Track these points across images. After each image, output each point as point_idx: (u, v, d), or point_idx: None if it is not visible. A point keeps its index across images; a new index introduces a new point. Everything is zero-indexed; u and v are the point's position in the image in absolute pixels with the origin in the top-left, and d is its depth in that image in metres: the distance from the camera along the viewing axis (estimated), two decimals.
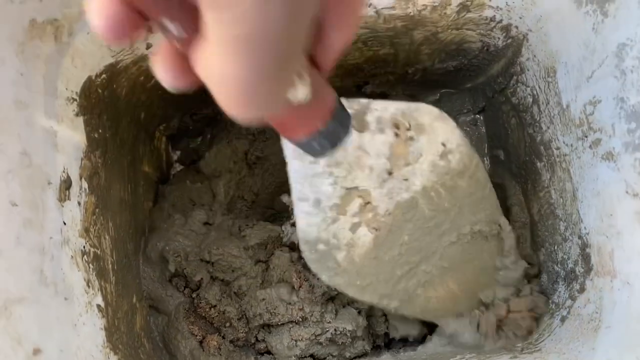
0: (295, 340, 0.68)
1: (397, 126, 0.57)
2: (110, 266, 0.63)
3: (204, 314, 0.69)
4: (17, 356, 0.44)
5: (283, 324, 0.69)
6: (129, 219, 0.69)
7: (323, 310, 0.69)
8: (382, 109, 0.55)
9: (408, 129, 0.57)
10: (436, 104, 0.88)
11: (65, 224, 0.55)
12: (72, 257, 0.55)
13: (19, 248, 0.47)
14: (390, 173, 0.57)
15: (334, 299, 0.70)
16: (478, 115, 0.88)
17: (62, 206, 0.54)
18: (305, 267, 0.71)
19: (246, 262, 0.70)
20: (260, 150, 0.82)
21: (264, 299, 0.68)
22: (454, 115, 0.87)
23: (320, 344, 0.69)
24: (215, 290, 0.70)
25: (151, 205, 0.75)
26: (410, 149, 0.58)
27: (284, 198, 0.80)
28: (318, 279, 0.70)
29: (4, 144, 0.47)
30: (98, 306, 0.59)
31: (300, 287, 0.68)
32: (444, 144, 0.60)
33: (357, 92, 0.85)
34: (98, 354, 0.57)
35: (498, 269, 0.69)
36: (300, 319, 0.68)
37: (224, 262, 0.70)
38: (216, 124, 0.83)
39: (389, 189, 0.58)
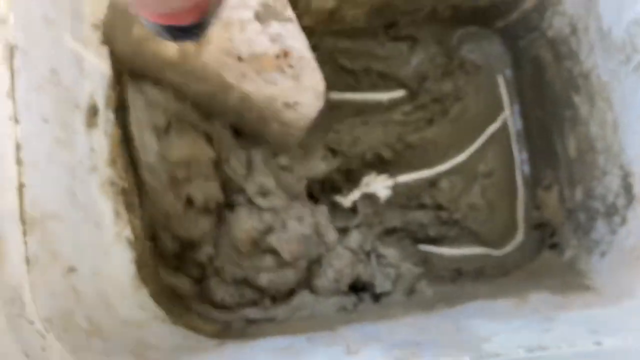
0: None
1: None
2: (138, 202, 0.62)
3: None
4: (54, 269, 0.43)
5: None
6: None
7: None
8: None
9: None
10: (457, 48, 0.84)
11: (93, 150, 0.54)
12: (101, 185, 0.54)
13: (51, 165, 0.46)
14: None
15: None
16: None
17: (90, 133, 0.53)
18: None
19: None
20: None
21: None
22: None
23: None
24: None
25: None
26: None
27: None
28: None
29: (36, 58, 0.45)
30: (127, 239, 0.58)
31: None
32: None
33: (384, 34, 0.83)
34: (128, 286, 0.56)
35: None
36: None
37: None
38: None
39: None
